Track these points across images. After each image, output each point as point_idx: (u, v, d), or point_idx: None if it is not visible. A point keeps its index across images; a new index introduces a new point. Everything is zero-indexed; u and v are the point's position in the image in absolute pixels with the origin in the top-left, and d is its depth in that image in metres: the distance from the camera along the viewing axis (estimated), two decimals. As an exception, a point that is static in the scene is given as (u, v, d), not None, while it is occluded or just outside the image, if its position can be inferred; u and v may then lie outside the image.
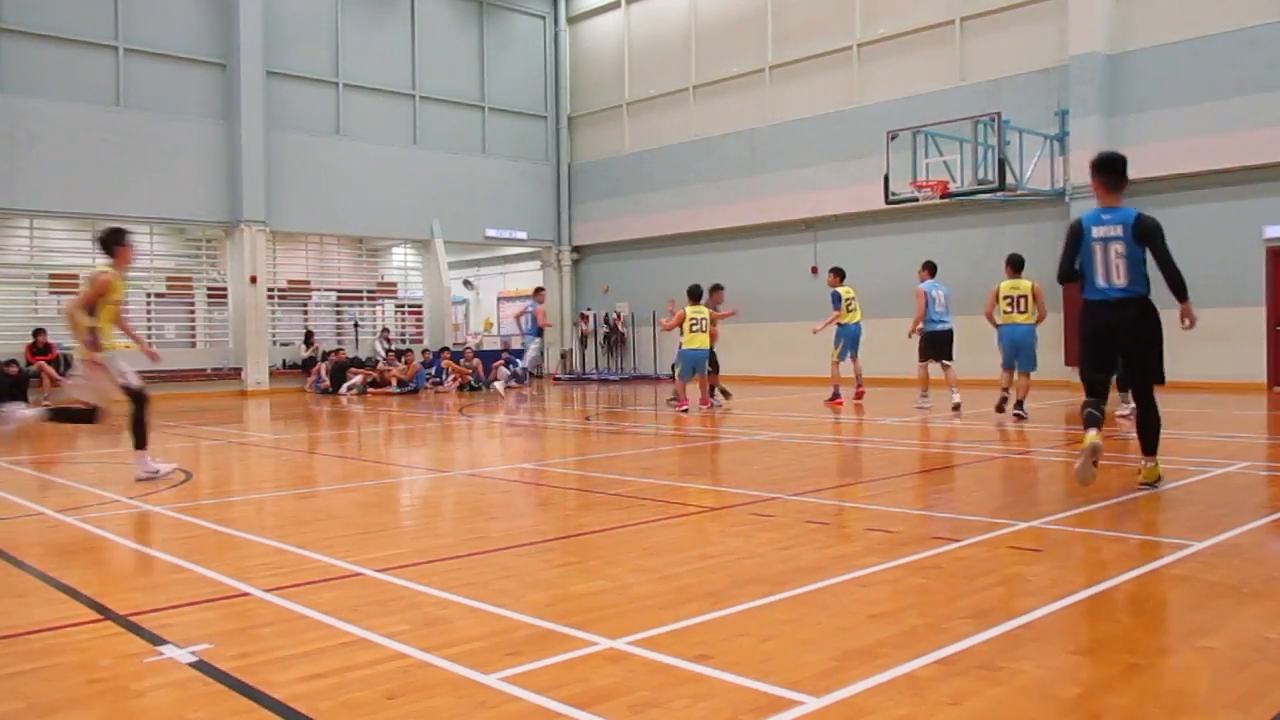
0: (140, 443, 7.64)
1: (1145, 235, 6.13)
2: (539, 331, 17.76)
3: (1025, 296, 11.60)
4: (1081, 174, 16.83)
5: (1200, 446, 8.82)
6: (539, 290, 18.60)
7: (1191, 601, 3.82)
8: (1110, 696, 2.86)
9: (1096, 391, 6.43)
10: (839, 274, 14.70)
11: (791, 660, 3.23)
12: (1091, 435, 6.09)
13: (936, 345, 13.04)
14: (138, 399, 7.60)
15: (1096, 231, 6.25)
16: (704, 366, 14.00)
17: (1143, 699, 2.84)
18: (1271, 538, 5.09)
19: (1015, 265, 11.80)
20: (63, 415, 7.98)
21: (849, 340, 14.44)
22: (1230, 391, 14.76)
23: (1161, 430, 6.45)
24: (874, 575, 4.33)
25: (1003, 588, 4.10)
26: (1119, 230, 6.15)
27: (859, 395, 14.61)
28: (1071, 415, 11.79)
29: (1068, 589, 4.02)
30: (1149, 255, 6.19)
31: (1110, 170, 6.34)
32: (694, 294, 14.14)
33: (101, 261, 7.85)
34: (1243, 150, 15.37)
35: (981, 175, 16.15)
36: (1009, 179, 16.11)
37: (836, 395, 14.32)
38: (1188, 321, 6.31)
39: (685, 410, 13.48)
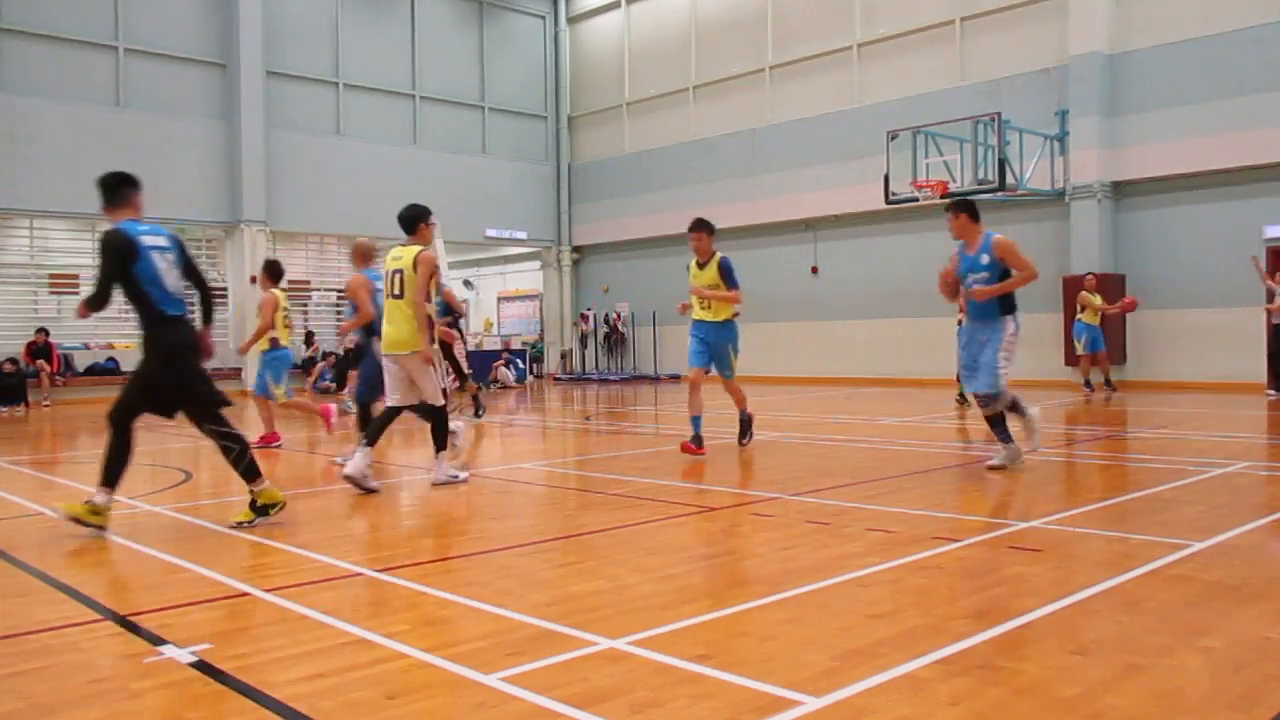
0: None
1: None
2: None
3: None
4: (1082, 174, 16.87)
5: (1200, 446, 8.82)
6: None
7: (1191, 601, 3.82)
8: (1110, 696, 2.86)
9: None
10: None
11: (791, 660, 3.23)
12: None
13: None
14: None
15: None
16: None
17: (1143, 699, 2.84)
18: (1271, 538, 5.09)
19: None
20: None
21: None
22: (1230, 391, 14.75)
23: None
24: (874, 575, 4.32)
25: (1003, 588, 4.10)
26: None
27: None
28: (1072, 415, 11.79)
29: (1068, 589, 4.02)
30: None
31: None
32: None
33: None
34: (1243, 150, 15.37)
35: (981, 175, 16.15)
36: (1009, 179, 16.10)
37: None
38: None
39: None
